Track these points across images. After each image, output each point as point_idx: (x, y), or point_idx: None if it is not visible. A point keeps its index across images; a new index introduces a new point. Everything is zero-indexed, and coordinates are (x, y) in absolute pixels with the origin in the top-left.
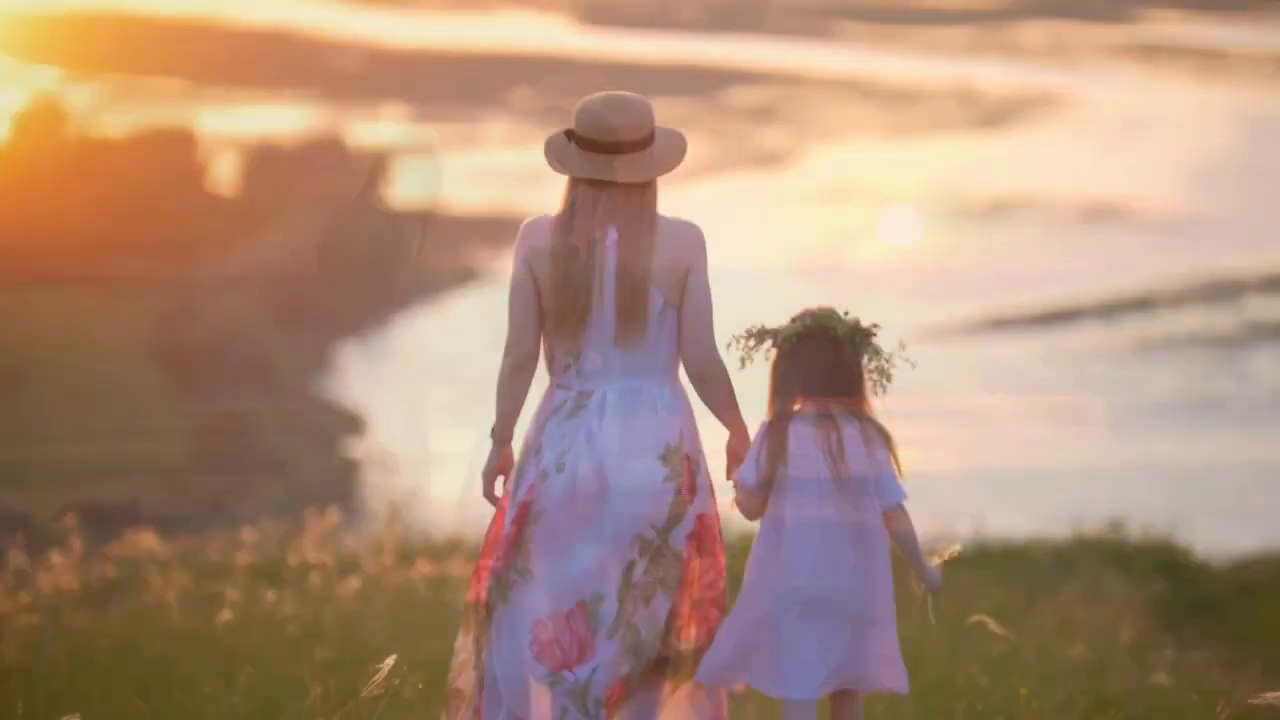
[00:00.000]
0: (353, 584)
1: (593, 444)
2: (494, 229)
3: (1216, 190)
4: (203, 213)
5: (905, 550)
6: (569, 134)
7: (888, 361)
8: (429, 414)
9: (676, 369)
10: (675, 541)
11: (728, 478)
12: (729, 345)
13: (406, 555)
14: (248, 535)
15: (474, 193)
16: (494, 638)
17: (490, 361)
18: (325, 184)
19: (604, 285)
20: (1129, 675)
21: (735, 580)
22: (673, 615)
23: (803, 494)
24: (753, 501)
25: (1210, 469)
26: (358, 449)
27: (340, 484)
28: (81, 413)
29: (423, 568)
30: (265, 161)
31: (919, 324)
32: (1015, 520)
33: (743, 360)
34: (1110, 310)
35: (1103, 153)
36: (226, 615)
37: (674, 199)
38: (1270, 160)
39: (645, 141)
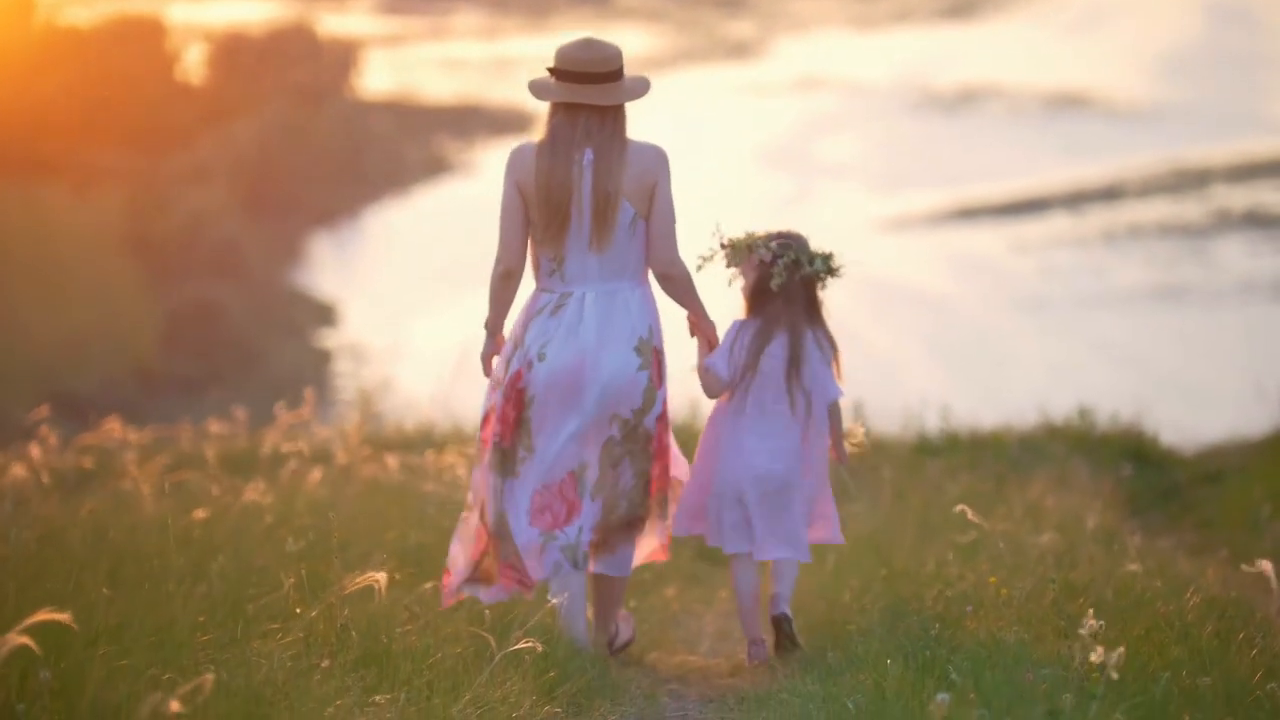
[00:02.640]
0: (323, 474)
1: (574, 338)
2: (464, 119)
3: (1184, 79)
4: (172, 103)
5: (834, 434)
6: (550, 71)
7: (832, 274)
8: (399, 304)
9: (646, 273)
10: (649, 423)
11: (691, 335)
12: (707, 259)
13: (377, 445)
14: (218, 425)
15: (443, 84)
16: (506, 501)
17: (459, 248)
18: (295, 74)
19: (582, 199)
20: (1097, 562)
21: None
22: (647, 480)
23: (765, 389)
24: (720, 386)
25: (1177, 357)
26: (330, 339)
27: (312, 374)
28: (52, 304)
29: (393, 457)
30: (234, 51)
31: (886, 214)
32: (983, 409)
33: (730, 280)
34: (1077, 199)
35: (1070, 41)
36: (197, 505)
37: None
38: (1237, 49)
39: (615, 75)
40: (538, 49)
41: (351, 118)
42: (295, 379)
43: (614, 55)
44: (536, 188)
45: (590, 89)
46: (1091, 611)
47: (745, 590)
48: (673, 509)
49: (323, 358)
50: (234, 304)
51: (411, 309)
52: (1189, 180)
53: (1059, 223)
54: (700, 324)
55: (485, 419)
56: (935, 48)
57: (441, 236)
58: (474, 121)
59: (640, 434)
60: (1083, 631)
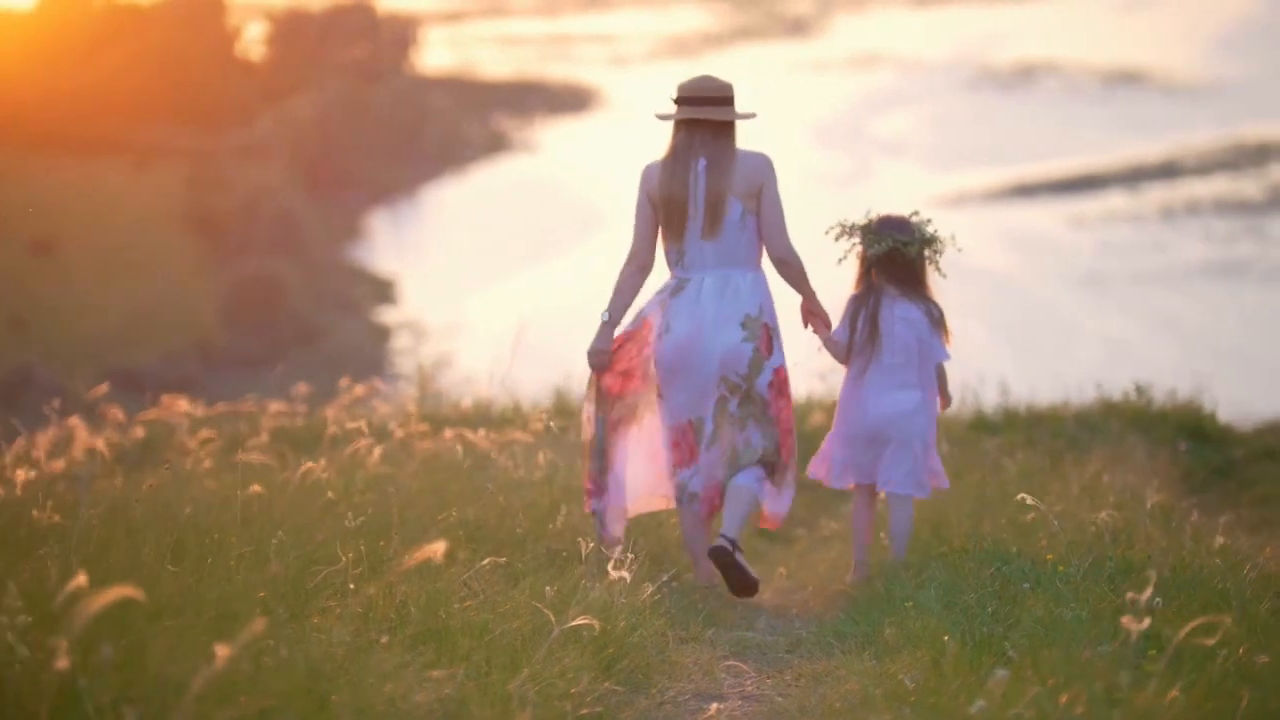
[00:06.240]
0: (383, 450)
1: (692, 314)
2: (522, 96)
3: (1241, 55)
4: (232, 80)
5: (941, 388)
6: (675, 100)
7: (940, 253)
8: (458, 281)
9: (758, 260)
10: (760, 388)
11: (804, 326)
12: (825, 232)
13: (436, 422)
14: (279, 402)
15: (502, 61)
16: (630, 446)
17: (518, 226)
18: (354, 51)
19: (697, 200)
20: (1154, 540)
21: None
22: (777, 441)
23: (881, 353)
24: (842, 352)
25: (1235, 333)
26: (389, 316)
27: (371, 350)
28: (113, 280)
29: (451, 433)
30: (294, 28)
31: (943, 191)
32: (1040, 385)
33: (842, 256)
34: (1134, 176)
35: (1127, 17)
36: (258, 481)
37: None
38: None
39: (727, 100)
40: (596, 26)
41: (410, 95)
42: (355, 355)
43: (727, 86)
44: (660, 193)
45: (705, 109)
46: (1151, 589)
47: (861, 520)
48: (790, 477)
49: (382, 334)
50: (294, 280)
51: (470, 286)
52: (1247, 156)
53: (1116, 199)
54: (813, 307)
55: (591, 392)
56: (992, 25)
57: (500, 213)
58: (532, 99)
59: (755, 397)
60: (1157, 602)
